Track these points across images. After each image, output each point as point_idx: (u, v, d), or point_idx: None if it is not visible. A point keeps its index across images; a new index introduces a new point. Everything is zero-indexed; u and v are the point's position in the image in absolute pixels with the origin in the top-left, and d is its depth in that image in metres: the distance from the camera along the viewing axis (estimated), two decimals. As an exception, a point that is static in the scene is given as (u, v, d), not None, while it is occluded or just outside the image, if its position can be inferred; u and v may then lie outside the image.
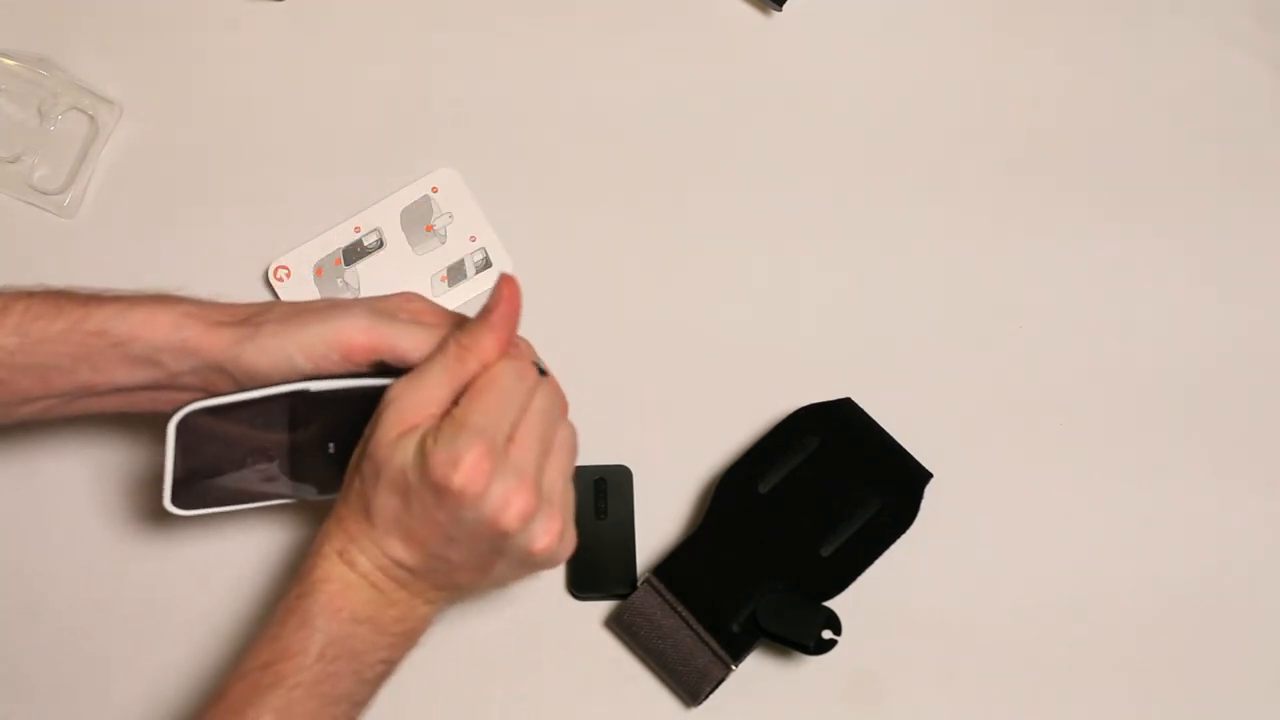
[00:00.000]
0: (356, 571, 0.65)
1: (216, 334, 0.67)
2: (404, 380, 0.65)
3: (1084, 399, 0.86)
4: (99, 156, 0.87)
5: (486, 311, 0.65)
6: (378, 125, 0.89)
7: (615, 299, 0.87)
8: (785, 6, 0.91)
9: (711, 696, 0.78)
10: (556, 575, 0.81)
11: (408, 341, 0.67)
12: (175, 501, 0.68)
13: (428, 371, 0.65)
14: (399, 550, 0.65)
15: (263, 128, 0.89)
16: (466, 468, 0.61)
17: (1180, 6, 0.94)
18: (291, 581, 0.66)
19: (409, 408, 0.64)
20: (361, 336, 0.67)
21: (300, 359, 0.67)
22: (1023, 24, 0.93)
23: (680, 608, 0.78)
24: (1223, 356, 0.87)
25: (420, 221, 0.87)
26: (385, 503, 0.64)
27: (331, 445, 0.69)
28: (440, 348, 0.65)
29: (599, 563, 0.81)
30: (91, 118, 0.87)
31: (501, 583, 0.70)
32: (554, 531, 0.65)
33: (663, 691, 0.80)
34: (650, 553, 0.82)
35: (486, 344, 0.64)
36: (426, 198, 0.87)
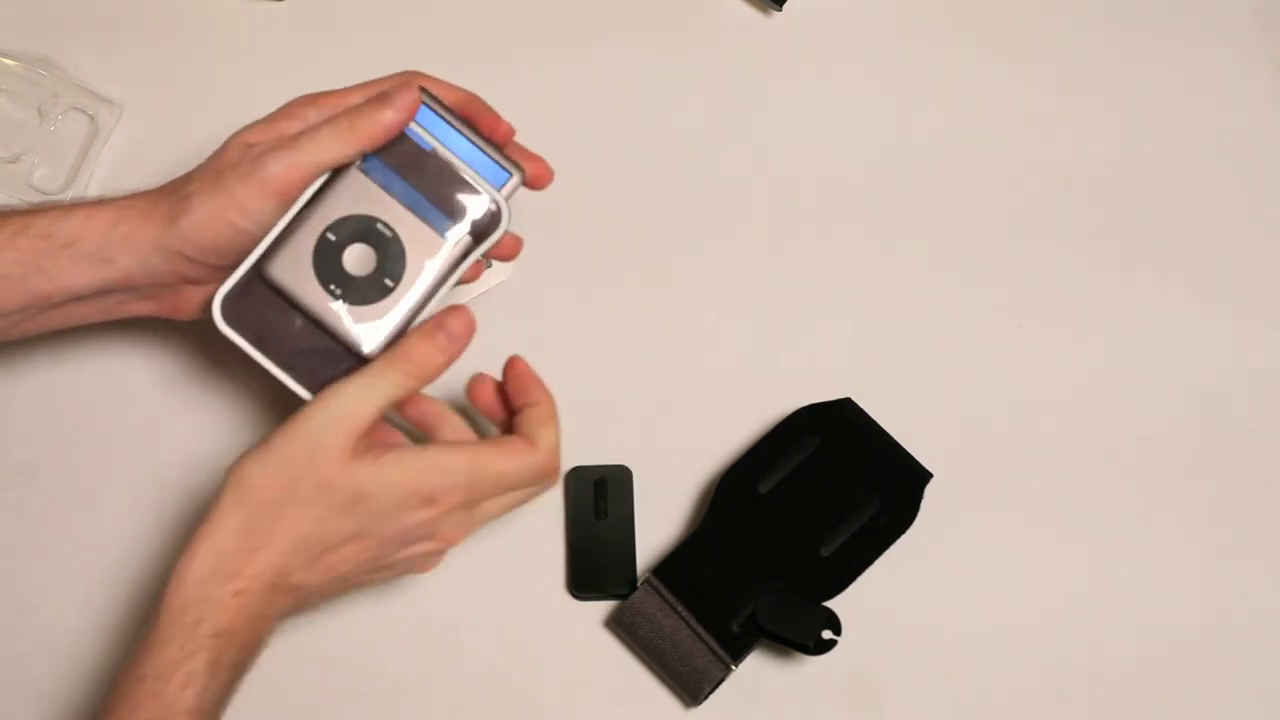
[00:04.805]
0: (245, 613, 0.62)
1: (150, 219, 0.66)
2: (350, 389, 0.63)
3: (1084, 398, 0.86)
4: (99, 156, 0.87)
5: (438, 331, 0.65)
6: (378, 125, 0.89)
7: (615, 298, 0.87)
8: (785, 6, 0.91)
9: (711, 696, 0.78)
10: (557, 575, 0.81)
11: (323, 155, 0.66)
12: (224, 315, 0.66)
13: (374, 383, 0.63)
14: (304, 574, 0.64)
15: (263, 128, 0.89)
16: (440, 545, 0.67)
17: (1180, 6, 0.93)
18: (171, 624, 0.61)
19: (353, 421, 0.62)
20: (284, 178, 0.65)
21: (240, 221, 0.65)
22: (1021, 24, 0.93)
23: (680, 608, 0.78)
24: (1226, 362, 0.87)
25: (420, 221, 0.87)
26: (336, 526, 0.63)
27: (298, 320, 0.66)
28: (390, 359, 0.64)
29: (599, 563, 0.81)
30: (91, 118, 0.87)
31: (360, 585, 0.69)
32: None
33: (663, 691, 0.80)
34: (650, 553, 0.82)
35: (438, 364, 0.65)
36: (426, 198, 0.87)
